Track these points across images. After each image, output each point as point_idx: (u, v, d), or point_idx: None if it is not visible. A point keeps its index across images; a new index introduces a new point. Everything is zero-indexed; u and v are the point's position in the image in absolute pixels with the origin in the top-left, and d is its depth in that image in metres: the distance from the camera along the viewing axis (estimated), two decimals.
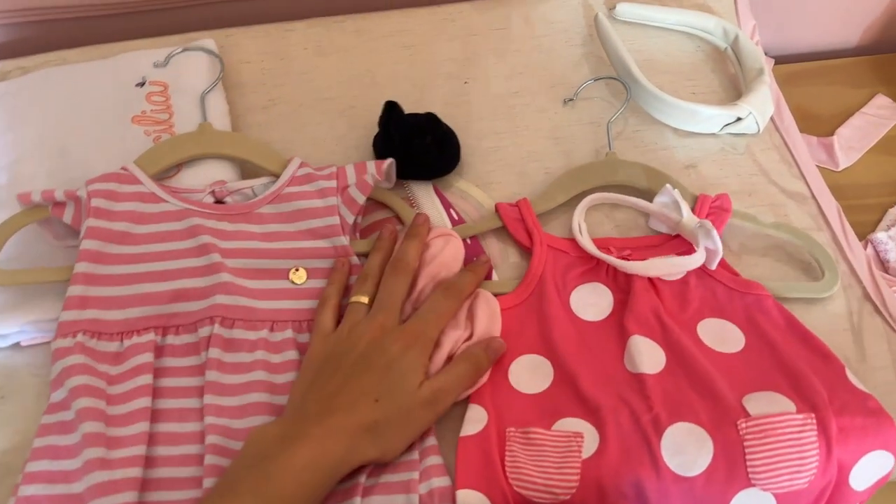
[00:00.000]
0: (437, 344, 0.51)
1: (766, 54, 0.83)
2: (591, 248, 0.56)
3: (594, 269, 0.57)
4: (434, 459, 0.48)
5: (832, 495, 0.47)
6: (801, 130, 0.77)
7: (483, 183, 0.62)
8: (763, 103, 0.65)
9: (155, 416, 0.50)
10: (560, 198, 0.60)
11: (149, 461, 0.48)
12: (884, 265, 0.68)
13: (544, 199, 0.60)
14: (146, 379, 0.50)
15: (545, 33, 0.71)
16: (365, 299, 0.53)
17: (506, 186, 0.62)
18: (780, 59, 0.83)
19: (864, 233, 0.70)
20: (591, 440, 0.47)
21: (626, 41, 0.69)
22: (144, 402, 0.49)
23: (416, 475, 0.47)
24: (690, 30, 0.72)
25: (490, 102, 0.67)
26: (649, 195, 0.59)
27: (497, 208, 0.59)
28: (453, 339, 0.52)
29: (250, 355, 0.52)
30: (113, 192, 0.56)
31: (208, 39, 0.67)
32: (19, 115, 0.63)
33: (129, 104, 0.63)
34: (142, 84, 0.64)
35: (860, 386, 0.50)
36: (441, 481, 0.47)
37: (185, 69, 0.65)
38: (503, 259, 0.59)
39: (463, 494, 0.46)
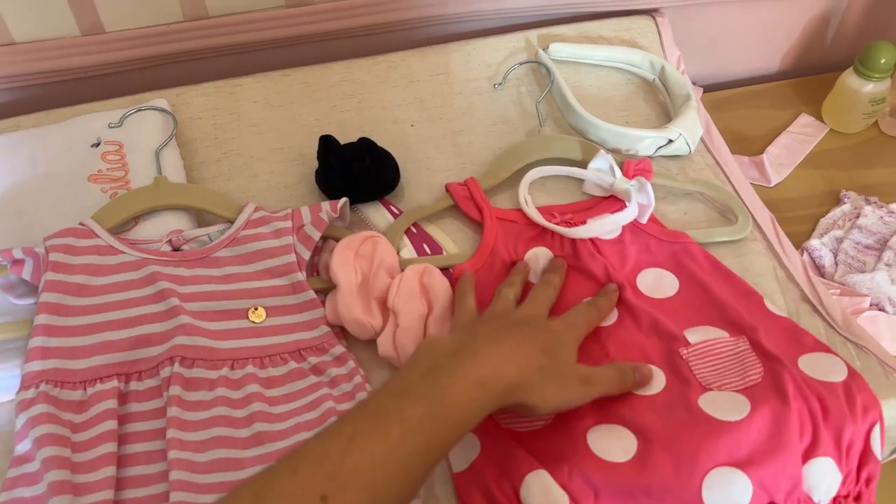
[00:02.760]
0: (396, 313, 0.55)
1: (694, 83, 0.89)
2: (538, 217, 0.63)
3: (541, 235, 0.63)
4: None
5: (806, 399, 0.51)
6: (733, 151, 0.81)
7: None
8: (692, 125, 0.69)
9: (122, 461, 0.50)
10: (503, 174, 0.66)
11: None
12: (820, 270, 0.72)
13: (489, 176, 0.66)
14: (111, 425, 0.51)
15: (484, 75, 0.75)
16: (512, 296, 0.55)
17: None
18: (708, 88, 0.89)
19: (799, 242, 0.74)
20: None
21: (569, 82, 0.74)
22: (110, 447, 0.50)
23: None
24: (619, 64, 0.76)
25: (436, 143, 0.70)
26: (581, 165, 0.66)
27: (447, 188, 0.64)
28: (417, 310, 0.56)
29: (210, 393, 0.53)
30: (70, 247, 0.58)
31: (160, 99, 0.70)
32: None
33: (85, 164, 0.65)
34: (97, 144, 0.66)
35: (779, 312, 0.58)
36: None
37: (139, 128, 0.67)
38: (457, 234, 0.64)
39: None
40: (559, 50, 0.75)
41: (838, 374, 0.52)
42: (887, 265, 0.70)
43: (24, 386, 0.52)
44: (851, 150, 0.83)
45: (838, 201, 0.78)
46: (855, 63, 0.80)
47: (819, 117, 0.85)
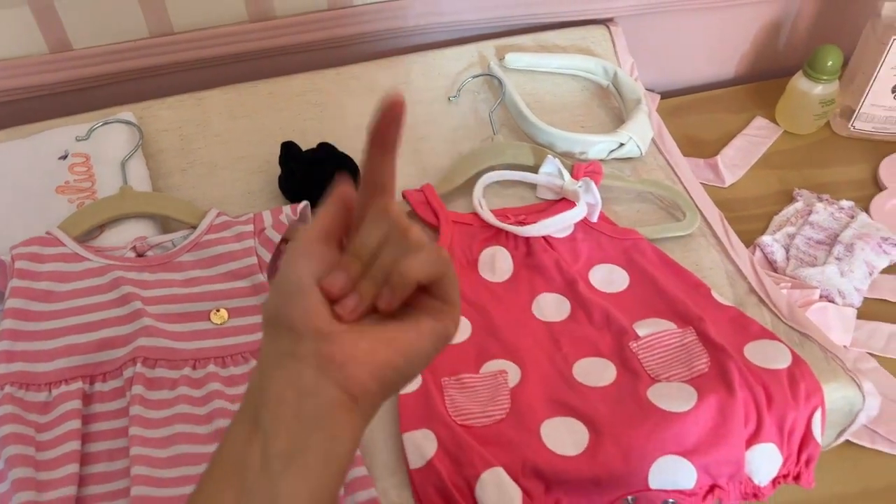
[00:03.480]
0: None
1: (652, 90, 0.92)
2: (491, 217, 0.65)
3: (496, 236, 0.65)
4: (358, 471, 0.51)
5: (751, 387, 0.53)
6: (690, 155, 0.84)
7: None
8: (642, 129, 0.71)
9: (85, 458, 0.52)
10: (458, 180, 0.68)
11: (80, 501, 0.49)
12: (772, 266, 0.74)
13: (445, 182, 0.68)
14: (75, 424, 0.52)
15: (443, 84, 0.77)
16: None
17: None
18: (665, 94, 0.91)
19: (753, 239, 0.76)
20: (514, 374, 0.56)
21: (517, 86, 0.76)
22: (73, 445, 0.51)
23: (341, 490, 0.49)
24: (574, 71, 0.79)
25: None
26: (534, 170, 0.68)
27: (404, 195, 0.66)
28: None
29: (172, 392, 0.54)
30: (36, 255, 0.59)
31: (126, 112, 0.72)
32: None
33: (53, 176, 0.67)
34: (64, 157, 0.68)
35: (725, 302, 0.60)
36: (366, 493, 0.50)
37: (106, 140, 0.69)
38: None
39: (408, 436, 0.52)
40: (515, 60, 0.78)
41: (783, 361, 0.54)
42: (837, 259, 0.72)
43: None
44: (805, 151, 0.85)
45: (791, 199, 0.80)
46: (804, 66, 0.83)
47: (773, 120, 0.88)
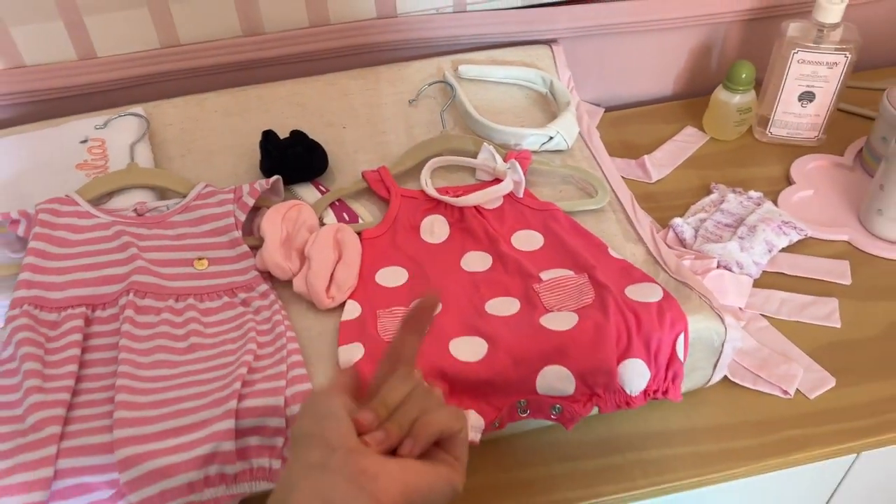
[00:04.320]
0: (309, 258, 0.66)
1: (597, 105, 1.04)
2: (433, 192, 0.77)
3: (436, 207, 0.77)
4: (298, 370, 0.62)
5: (624, 314, 0.64)
6: (626, 157, 0.96)
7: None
8: (568, 126, 0.84)
9: (83, 364, 0.64)
10: (409, 163, 0.81)
11: (75, 392, 0.62)
12: (682, 243, 0.85)
13: (397, 164, 0.81)
14: (76, 337, 0.65)
15: (406, 90, 0.91)
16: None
17: None
18: (609, 109, 1.04)
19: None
20: (437, 308, 0.66)
21: (470, 93, 0.89)
22: (74, 352, 0.64)
23: (283, 382, 0.61)
24: (517, 81, 0.92)
25: (363, 141, 0.86)
26: (475, 157, 0.81)
27: (363, 174, 0.79)
28: (329, 258, 0.70)
29: (157, 317, 0.67)
30: (55, 210, 0.73)
31: (138, 107, 0.86)
32: None
33: (74, 156, 0.81)
34: (84, 141, 0.82)
35: (618, 256, 0.71)
36: (303, 386, 0.61)
37: (119, 129, 0.84)
38: (369, 209, 0.79)
39: (342, 348, 0.64)
40: (467, 70, 0.91)
41: (655, 297, 0.65)
42: (740, 238, 0.83)
43: (11, 307, 0.66)
44: (726, 154, 0.97)
45: (709, 192, 0.91)
46: (724, 80, 0.95)
47: (702, 129, 1.00)
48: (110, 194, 0.78)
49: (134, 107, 0.87)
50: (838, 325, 0.77)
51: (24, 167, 0.80)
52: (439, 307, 0.46)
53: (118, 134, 0.83)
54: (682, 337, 0.64)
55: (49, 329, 0.66)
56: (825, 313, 0.78)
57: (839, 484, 0.79)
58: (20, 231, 0.72)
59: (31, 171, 0.80)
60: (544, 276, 0.69)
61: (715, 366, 0.68)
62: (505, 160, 0.79)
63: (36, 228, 0.71)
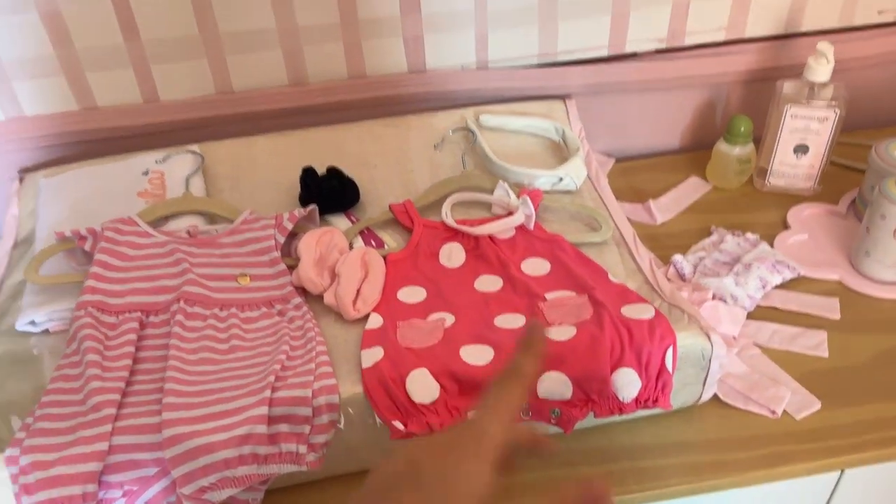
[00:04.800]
0: (339, 275, 0.74)
1: (609, 155, 1.13)
2: (452, 222, 0.86)
3: (454, 236, 0.85)
4: (325, 369, 0.70)
5: (618, 328, 0.71)
6: (633, 202, 1.04)
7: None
8: (577, 169, 0.92)
9: (136, 360, 0.72)
10: (431, 197, 0.90)
11: (129, 383, 0.70)
12: (682, 278, 0.92)
13: (421, 198, 0.90)
14: (132, 337, 0.73)
15: (432, 136, 1.01)
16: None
17: None
18: (619, 160, 1.12)
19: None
20: (449, 321, 0.75)
21: (489, 140, 0.99)
22: (129, 349, 0.72)
23: (311, 378, 0.69)
24: (533, 130, 1.01)
25: (391, 179, 0.95)
26: (491, 193, 0.90)
27: (390, 207, 0.88)
28: (356, 275, 0.78)
29: (203, 322, 0.75)
30: (119, 229, 0.83)
31: (194, 146, 0.97)
32: (61, 195, 0.92)
33: (136, 185, 0.92)
34: (146, 173, 0.93)
35: (617, 281, 0.78)
36: (329, 381, 0.69)
37: (177, 163, 0.94)
38: (394, 237, 0.87)
39: (364, 351, 0.72)
40: (487, 119, 1.01)
41: (647, 315, 0.72)
42: (736, 274, 0.90)
43: (76, 308, 0.75)
44: (727, 201, 1.04)
45: (709, 234, 0.99)
46: (724, 133, 1.03)
47: (705, 178, 1.08)
48: (166, 218, 0.88)
49: (191, 145, 0.98)
50: (826, 355, 0.83)
51: (93, 193, 0.91)
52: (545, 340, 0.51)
53: (176, 168, 0.94)
54: (670, 350, 0.70)
55: (108, 329, 0.75)
56: (814, 344, 0.84)
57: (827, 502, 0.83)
58: (87, 246, 0.82)
59: (99, 197, 0.91)
60: (549, 296, 0.76)
61: (704, 382, 0.74)
62: (518, 197, 0.88)
63: (101, 244, 0.81)
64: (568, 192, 0.93)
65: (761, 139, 1.04)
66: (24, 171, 1.00)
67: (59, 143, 1.00)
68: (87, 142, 1.00)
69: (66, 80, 0.95)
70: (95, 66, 0.95)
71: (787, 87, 0.99)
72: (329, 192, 0.89)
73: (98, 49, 0.94)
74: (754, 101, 1.12)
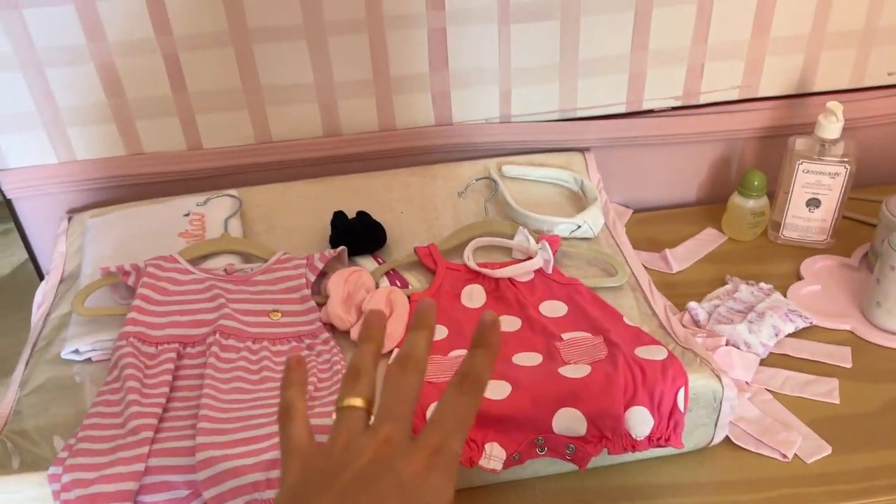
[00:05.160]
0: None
1: (626, 206, 1.17)
2: (473, 265, 0.90)
3: (475, 278, 0.90)
4: None
5: (631, 367, 0.74)
6: (649, 251, 1.08)
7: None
8: (594, 217, 0.96)
9: (173, 388, 0.77)
10: (454, 241, 0.94)
11: (166, 409, 0.74)
12: (696, 324, 0.94)
13: (445, 242, 0.95)
14: (170, 366, 0.78)
15: (456, 185, 1.06)
16: (360, 402, 0.44)
17: None
18: (637, 210, 1.16)
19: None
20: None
21: (510, 188, 1.04)
22: (167, 378, 0.77)
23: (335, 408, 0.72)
24: (553, 180, 1.06)
25: (417, 224, 1.00)
26: (511, 239, 0.94)
27: (415, 249, 0.93)
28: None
29: (237, 354, 0.80)
30: (160, 266, 0.88)
31: (233, 190, 1.03)
32: (106, 234, 0.98)
33: (178, 226, 0.97)
34: (187, 215, 0.99)
35: (632, 324, 0.82)
36: None
37: (217, 206, 1.00)
38: (418, 278, 0.92)
39: None
40: (510, 169, 1.06)
41: (660, 356, 0.75)
42: (749, 322, 0.92)
43: (118, 338, 0.80)
44: (742, 252, 1.07)
45: (724, 283, 1.02)
46: (738, 186, 1.07)
47: (720, 230, 1.11)
48: (205, 257, 0.93)
49: (230, 189, 1.04)
50: (837, 402, 0.85)
51: (137, 233, 0.97)
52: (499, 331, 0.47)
53: (215, 210, 1.00)
54: (682, 390, 0.73)
55: (148, 359, 0.79)
56: (826, 390, 0.86)
57: None
58: (130, 281, 0.87)
59: (142, 236, 0.96)
60: (565, 336, 0.80)
61: (716, 424, 0.77)
62: (537, 242, 0.92)
63: (144, 279, 0.86)
64: (585, 239, 0.97)
65: (775, 193, 1.08)
66: (72, 212, 1.06)
67: (106, 185, 1.06)
68: (132, 185, 1.06)
69: (117, 128, 1.02)
70: (144, 115, 1.02)
71: (800, 143, 1.03)
72: (357, 235, 0.94)
73: (148, 99, 1.01)
74: (768, 156, 1.16)
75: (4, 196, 1.06)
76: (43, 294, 0.95)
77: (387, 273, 0.91)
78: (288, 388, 0.47)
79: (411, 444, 0.41)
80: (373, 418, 0.43)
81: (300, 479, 0.42)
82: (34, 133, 1.02)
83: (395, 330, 0.82)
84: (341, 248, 0.91)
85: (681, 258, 1.06)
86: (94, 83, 0.99)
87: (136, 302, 0.84)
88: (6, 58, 0.95)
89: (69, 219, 1.05)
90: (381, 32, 1.00)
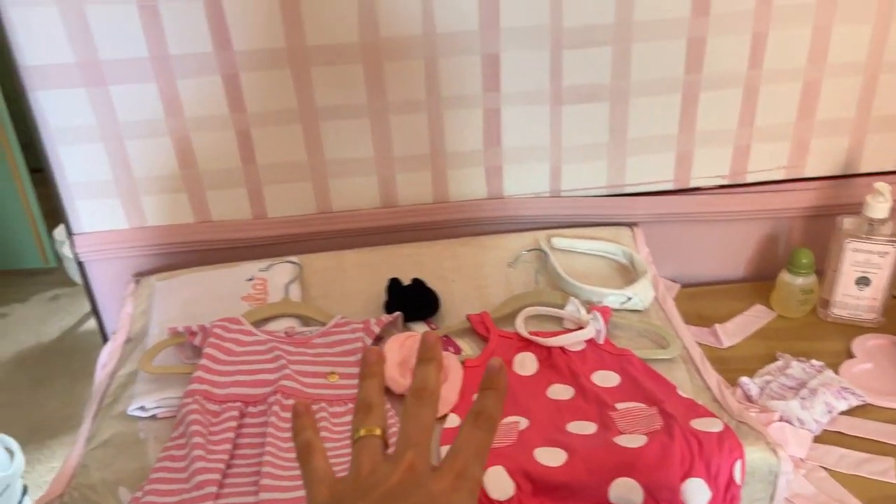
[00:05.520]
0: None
1: (675, 281, 1.19)
2: (525, 333, 0.92)
3: (527, 346, 0.91)
4: None
5: (688, 439, 0.75)
6: (698, 326, 1.09)
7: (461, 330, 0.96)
8: (644, 289, 0.98)
9: (236, 445, 0.79)
10: (506, 310, 0.97)
11: (229, 465, 0.76)
12: (749, 399, 0.94)
13: (497, 311, 0.97)
14: (233, 424, 0.81)
15: (506, 255, 1.09)
16: (378, 430, 0.46)
17: None
18: (685, 285, 1.18)
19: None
20: (523, 424, 0.80)
21: (560, 260, 1.06)
22: (230, 435, 0.79)
23: None
24: (603, 252, 1.09)
25: (469, 292, 1.03)
26: (562, 308, 0.96)
27: (468, 317, 0.95)
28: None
29: None
30: (226, 327, 0.92)
31: (294, 257, 1.08)
32: (173, 296, 1.02)
33: (241, 290, 1.02)
34: (250, 279, 1.03)
35: (686, 395, 0.82)
36: None
37: (278, 272, 1.05)
38: (471, 345, 0.94)
39: (445, 447, 0.77)
40: (559, 241, 1.09)
41: (716, 428, 0.76)
42: (802, 398, 0.92)
43: (185, 396, 0.83)
44: (792, 329, 1.08)
45: (775, 359, 1.02)
46: (787, 264, 1.08)
47: (769, 307, 1.12)
48: (267, 319, 0.97)
49: (291, 256, 1.08)
50: (894, 481, 0.84)
51: (204, 296, 1.01)
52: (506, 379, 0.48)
53: (277, 276, 1.04)
54: (739, 463, 0.73)
55: (212, 416, 0.82)
56: (882, 469, 0.85)
57: None
58: (196, 341, 0.91)
59: (208, 299, 1.01)
60: (619, 406, 0.81)
61: (772, 498, 0.76)
62: (588, 312, 0.94)
63: (210, 339, 0.90)
64: (636, 311, 0.99)
65: (823, 270, 1.09)
66: (139, 275, 1.11)
67: (174, 251, 1.12)
68: (198, 251, 1.12)
69: (188, 197, 1.08)
70: (214, 185, 1.08)
71: (848, 222, 1.05)
72: (412, 302, 0.97)
73: (218, 171, 1.07)
74: (815, 233, 1.17)
75: (77, 258, 1.12)
76: (109, 353, 0.99)
77: (440, 339, 0.94)
78: (301, 432, 0.49)
79: (435, 470, 0.43)
80: (393, 447, 0.45)
81: (330, 499, 0.44)
82: (109, 200, 1.08)
83: (449, 395, 0.84)
84: (397, 313, 0.94)
85: (731, 333, 1.07)
86: (170, 155, 1.05)
87: (203, 361, 0.87)
88: (90, 130, 1.03)
89: (136, 281, 1.10)
90: (438, 112, 1.06)
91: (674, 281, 1.19)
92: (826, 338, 1.06)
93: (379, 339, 0.93)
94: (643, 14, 1.01)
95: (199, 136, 1.05)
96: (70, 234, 1.10)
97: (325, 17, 0.99)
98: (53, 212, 1.11)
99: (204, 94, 1.02)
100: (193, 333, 0.91)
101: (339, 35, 1.00)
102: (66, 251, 2.13)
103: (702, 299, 1.15)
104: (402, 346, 0.89)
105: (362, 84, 1.03)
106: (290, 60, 1.00)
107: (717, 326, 1.08)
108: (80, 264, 1.14)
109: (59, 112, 1.01)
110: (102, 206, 1.09)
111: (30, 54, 0.97)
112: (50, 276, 2.68)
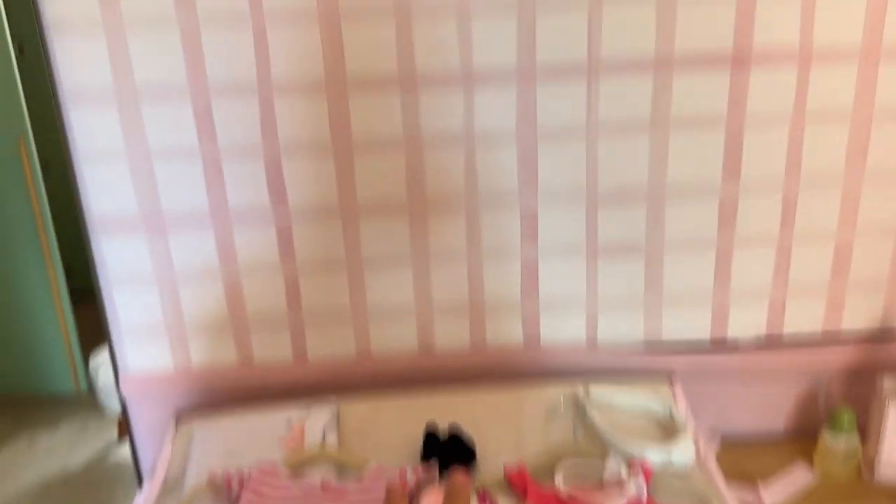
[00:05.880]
0: None
1: (712, 432, 1.17)
2: (565, 492, 0.90)
3: None
4: None
5: None
6: (740, 481, 1.06)
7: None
8: (686, 448, 0.97)
9: None
10: (543, 463, 0.96)
11: None
12: None
13: (534, 463, 0.96)
14: None
15: (543, 406, 1.09)
16: None
17: None
18: (725, 437, 1.16)
19: None
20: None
21: (598, 413, 1.06)
22: None
23: None
24: (641, 406, 1.08)
25: (506, 444, 1.02)
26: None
27: (504, 468, 0.95)
28: None
29: None
30: (262, 476, 0.92)
31: (332, 400, 1.09)
32: (212, 441, 1.03)
33: (279, 433, 1.03)
34: (288, 424, 1.04)
35: None
36: None
37: (316, 417, 1.06)
38: (508, 500, 0.92)
39: None
40: (598, 394, 1.09)
41: None
42: None
43: None
44: (837, 490, 1.05)
45: None
46: (828, 423, 1.07)
47: (811, 464, 1.09)
48: (303, 463, 0.97)
49: (329, 399, 1.10)
50: None
51: (245, 438, 1.03)
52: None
53: (314, 421, 1.05)
54: None
55: None
56: None
57: None
58: (233, 485, 0.91)
59: (249, 442, 1.02)
60: None
61: None
62: (629, 469, 0.93)
63: (249, 483, 0.90)
64: (676, 470, 0.97)
65: (866, 428, 1.07)
66: (179, 414, 1.13)
67: (215, 393, 1.14)
68: (239, 390, 1.14)
69: (234, 340, 1.12)
70: (259, 328, 1.12)
71: (889, 382, 1.04)
72: (449, 452, 0.97)
73: (265, 314, 1.11)
74: (856, 391, 1.16)
75: (121, 396, 1.15)
76: (144, 497, 0.99)
77: (477, 491, 0.93)
78: None
79: None
80: None
81: None
82: (158, 341, 1.12)
83: None
84: (433, 462, 0.94)
85: (774, 493, 1.04)
86: (220, 300, 1.10)
87: (244, 499, 0.87)
88: (146, 275, 1.08)
89: (176, 426, 1.11)
90: (479, 262, 1.10)
91: (712, 431, 1.18)
92: (872, 499, 1.03)
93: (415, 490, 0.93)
94: (676, 175, 1.07)
95: (249, 281, 1.09)
96: (117, 374, 1.14)
97: (375, 176, 1.05)
98: (90, 338, 1.14)
99: (257, 242, 1.07)
100: (230, 480, 0.92)
101: (387, 191, 1.06)
102: (100, 378, 2.15)
103: (742, 454, 1.13)
104: (439, 499, 0.89)
105: (407, 236, 1.08)
106: (342, 213, 1.06)
107: (760, 486, 1.05)
108: (123, 403, 1.16)
109: (118, 257, 1.07)
110: (151, 347, 1.12)
111: (97, 204, 1.05)
112: (78, 402, 2.68)
